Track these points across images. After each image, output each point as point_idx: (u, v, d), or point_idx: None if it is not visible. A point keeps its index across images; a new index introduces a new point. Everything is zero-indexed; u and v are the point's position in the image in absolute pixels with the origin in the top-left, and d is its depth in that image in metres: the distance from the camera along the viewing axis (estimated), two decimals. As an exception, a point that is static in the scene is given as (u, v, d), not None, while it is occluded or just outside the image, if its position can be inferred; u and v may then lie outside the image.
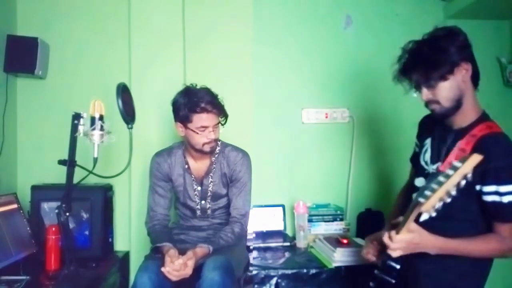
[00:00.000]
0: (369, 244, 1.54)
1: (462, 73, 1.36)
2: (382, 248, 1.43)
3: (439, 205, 1.14)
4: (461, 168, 1.11)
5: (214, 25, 2.35)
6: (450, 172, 1.12)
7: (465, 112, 1.39)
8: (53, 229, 1.85)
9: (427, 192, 1.15)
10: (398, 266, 1.35)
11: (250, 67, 2.35)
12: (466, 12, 2.48)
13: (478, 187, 1.31)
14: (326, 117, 2.54)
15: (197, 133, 1.79)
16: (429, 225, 1.28)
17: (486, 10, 2.48)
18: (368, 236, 1.59)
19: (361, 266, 1.88)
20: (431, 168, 1.47)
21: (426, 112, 1.52)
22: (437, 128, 1.49)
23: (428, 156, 1.50)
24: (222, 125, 1.86)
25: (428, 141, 1.53)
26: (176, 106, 1.81)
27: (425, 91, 1.39)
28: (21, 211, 1.99)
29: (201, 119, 1.77)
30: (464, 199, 1.27)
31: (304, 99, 2.54)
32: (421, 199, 1.17)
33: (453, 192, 1.12)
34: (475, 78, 1.39)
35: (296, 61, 2.54)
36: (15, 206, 1.96)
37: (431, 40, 1.38)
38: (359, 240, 2.13)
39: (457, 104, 1.38)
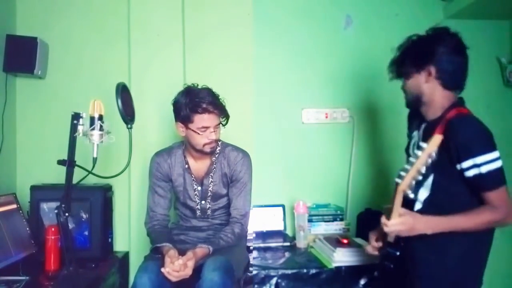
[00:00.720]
0: (373, 241, 1.60)
1: (425, 75, 1.50)
2: (383, 240, 1.50)
3: (412, 183, 1.30)
4: (426, 148, 1.27)
5: (214, 25, 2.35)
6: (419, 153, 1.28)
7: (435, 105, 1.51)
8: (53, 229, 1.85)
9: (402, 173, 1.32)
10: (397, 253, 1.43)
11: (250, 67, 2.35)
12: (466, 12, 2.48)
13: (458, 167, 1.39)
14: (326, 117, 2.54)
15: (198, 133, 1.78)
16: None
17: (486, 10, 2.48)
18: (372, 232, 1.64)
19: (361, 266, 1.89)
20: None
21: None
22: (421, 121, 1.61)
23: (415, 147, 1.58)
24: (223, 125, 1.86)
25: (415, 134, 1.63)
26: (177, 106, 1.80)
27: (403, 81, 1.59)
28: (21, 211, 1.99)
29: (203, 119, 1.76)
30: (450, 183, 1.41)
31: (304, 99, 2.54)
32: (398, 180, 1.33)
33: (423, 170, 1.28)
34: (443, 79, 1.49)
35: (296, 61, 2.53)
36: (14, 206, 1.96)
37: (415, 39, 1.54)
38: (359, 240, 2.13)
39: (418, 99, 1.54)
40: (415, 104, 1.57)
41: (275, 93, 2.52)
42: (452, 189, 1.42)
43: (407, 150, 1.70)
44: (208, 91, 1.80)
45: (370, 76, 2.52)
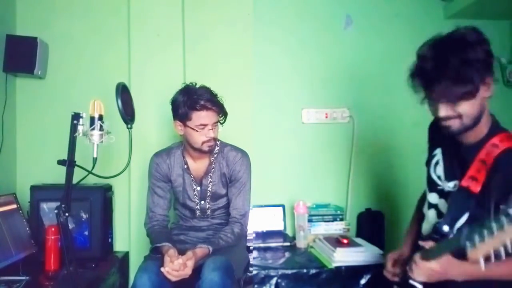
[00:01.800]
0: (390, 267, 1.51)
1: (486, 89, 1.24)
2: (404, 265, 1.41)
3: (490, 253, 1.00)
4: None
5: (214, 25, 2.35)
6: (505, 221, 0.96)
7: (479, 127, 1.28)
8: (53, 229, 1.85)
9: (477, 238, 1.01)
10: (420, 287, 1.32)
11: (250, 67, 2.35)
12: (466, 12, 2.48)
13: (502, 207, 1.16)
14: (326, 117, 2.54)
15: (196, 130, 1.78)
16: None
17: (486, 10, 2.48)
18: (390, 254, 1.55)
19: (361, 266, 1.89)
20: (447, 185, 1.37)
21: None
22: (447, 140, 1.38)
23: (440, 170, 1.41)
24: (221, 124, 1.86)
25: (438, 153, 1.43)
26: (176, 104, 1.80)
27: (444, 106, 1.24)
28: (21, 212, 1.99)
29: (200, 116, 1.76)
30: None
31: (304, 99, 2.54)
32: (467, 244, 1.03)
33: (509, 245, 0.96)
34: (491, 91, 1.27)
35: (296, 61, 2.53)
36: (14, 206, 1.96)
37: (459, 48, 1.20)
38: (359, 240, 2.13)
39: (477, 121, 1.26)
40: (470, 129, 1.26)
41: (275, 93, 2.52)
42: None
43: (427, 164, 1.51)
44: (206, 89, 1.80)
45: (370, 76, 2.52)
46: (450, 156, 1.38)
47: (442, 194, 1.39)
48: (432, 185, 1.44)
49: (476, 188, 1.18)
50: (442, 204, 1.39)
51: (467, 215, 1.25)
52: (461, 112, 1.23)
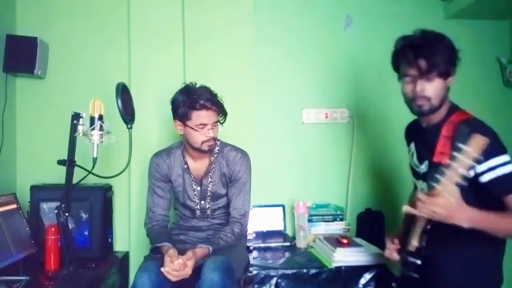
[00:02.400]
0: (390, 244, 1.54)
1: (452, 77, 1.43)
2: (402, 247, 1.46)
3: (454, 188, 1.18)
4: (469, 149, 1.15)
5: (214, 25, 2.35)
6: (456, 154, 1.16)
7: (442, 109, 1.46)
8: (53, 229, 1.85)
9: (439, 176, 1.19)
10: (419, 262, 1.35)
11: (250, 67, 2.35)
12: (466, 12, 2.48)
13: (472, 173, 1.29)
14: (326, 117, 2.54)
15: (196, 130, 1.78)
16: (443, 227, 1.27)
17: (486, 10, 2.47)
18: (388, 236, 1.59)
19: (361, 266, 1.89)
20: (421, 167, 1.53)
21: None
22: (416, 132, 1.58)
23: (415, 158, 1.58)
24: (221, 123, 1.86)
25: (412, 145, 1.61)
26: (175, 104, 1.80)
27: (421, 82, 1.41)
28: (21, 211, 1.99)
29: (200, 116, 1.77)
30: (467, 194, 1.26)
31: (304, 99, 2.54)
32: (434, 184, 1.20)
33: (466, 173, 1.16)
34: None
35: (296, 61, 2.53)
36: (14, 206, 1.96)
37: (442, 36, 1.42)
38: (359, 240, 2.13)
39: (442, 104, 1.44)
40: (435, 111, 1.45)
41: (275, 93, 2.52)
42: (469, 199, 1.28)
43: (411, 166, 1.65)
44: (206, 88, 1.81)
45: (370, 76, 2.52)
46: (420, 144, 1.55)
47: (421, 176, 1.54)
48: (414, 174, 1.60)
49: (446, 160, 1.23)
50: (422, 185, 1.54)
51: None
52: (431, 90, 1.40)
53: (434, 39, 1.41)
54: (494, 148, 1.29)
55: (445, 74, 1.40)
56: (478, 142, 1.16)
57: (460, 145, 1.16)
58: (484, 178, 1.32)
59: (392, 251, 1.52)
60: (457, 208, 1.24)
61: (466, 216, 1.26)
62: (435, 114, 1.46)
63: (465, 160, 1.16)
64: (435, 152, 1.41)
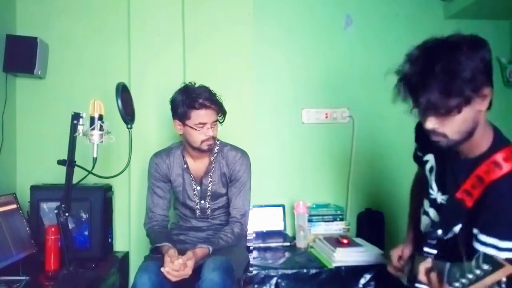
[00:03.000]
0: (396, 260, 1.51)
1: (480, 101, 1.10)
2: (409, 262, 1.42)
3: None
4: (493, 276, 0.92)
5: (214, 25, 2.35)
6: (478, 272, 0.93)
7: (476, 141, 1.16)
8: (53, 229, 1.85)
9: (459, 278, 0.97)
10: None
11: (250, 67, 2.35)
12: (466, 12, 2.48)
13: (475, 231, 1.13)
14: (326, 117, 2.54)
15: (195, 129, 1.78)
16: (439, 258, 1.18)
17: (486, 10, 2.48)
18: (394, 250, 1.54)
19: (361, 266, 1.89)
20: (440, 197, 1.31)
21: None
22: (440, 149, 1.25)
23: (433, 179, 1.33)
24: (221, 123, 1.86)
25: (430, 158, 1.34)
26: (175, 103, 1.81)
27: (431, 119, 1.13)
28: (21, 211, 1.99)
29: (199, 115, 1.77)
30: (466, 236, 1.17)
31: (304, 99, 2.54)
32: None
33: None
34: (489, 101, 1.13)
35: (296, 61, 2.53)
36: (14, 206, 1.96)
37: (449, 54, 1.07)
38: (359, 240, 2.13)
39: (467, 137, 1.14)
40: (460, 144, 1.15)
41: (275, 93, 2.52)
42: (468, 241, 1.15)
43: (416, 159, 1.48)
44: (205, 88, 1.81)
45: (370, 76, 2.51)
46: (444, 166, 1.28)
47: (433, 203, 1.34)
48: (427, 196, 1.37)
49: (469, 203, 1.13)
50: (432, 213, 1.34)
51: (460, 226, 1.21)
52: (447, 127, 1.11)
53: (438, 60, 1.06)
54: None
55: (459, 108, 1.07)
56: (506, 271, 0.90)
57: (484, 266, 0.91)
58: (481, 248, 1.11)
59: (396, 270, 1.49)
60: None
61: None
62: (467, 145, 1.17)
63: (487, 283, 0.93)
64: (461, 187, 1.18)
